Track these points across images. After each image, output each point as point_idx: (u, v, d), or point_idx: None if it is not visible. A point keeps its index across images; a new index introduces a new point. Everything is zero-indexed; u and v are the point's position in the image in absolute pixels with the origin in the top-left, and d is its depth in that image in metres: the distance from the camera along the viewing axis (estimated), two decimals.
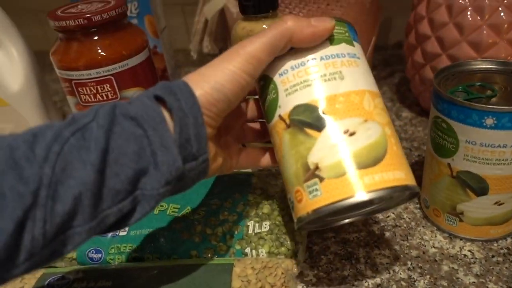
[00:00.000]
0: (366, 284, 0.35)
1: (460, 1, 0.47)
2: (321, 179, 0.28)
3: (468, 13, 0.47)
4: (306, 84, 0.29)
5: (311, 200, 0.28)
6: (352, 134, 0.28)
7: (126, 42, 0.44)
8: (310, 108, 0.29)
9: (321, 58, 0.30)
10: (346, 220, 0.35)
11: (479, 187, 0.35)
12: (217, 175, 0.34)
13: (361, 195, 0.27)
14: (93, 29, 0.42)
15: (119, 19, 0.43)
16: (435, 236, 0.39)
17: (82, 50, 0.42)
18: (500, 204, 0.35)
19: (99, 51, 0.42)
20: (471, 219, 0.37)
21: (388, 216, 0.42)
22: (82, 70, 0.42)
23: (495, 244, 0.38)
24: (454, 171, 0.35)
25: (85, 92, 0.43)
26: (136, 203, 0.26)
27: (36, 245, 0.23)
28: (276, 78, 0.31)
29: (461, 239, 0.38)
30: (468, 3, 0.47)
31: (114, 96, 0.44)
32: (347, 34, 0.32)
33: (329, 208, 0.28)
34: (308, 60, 0.30)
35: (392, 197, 0.32)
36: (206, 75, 0.28)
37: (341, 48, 0.31)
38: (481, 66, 0.38)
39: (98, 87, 0.43)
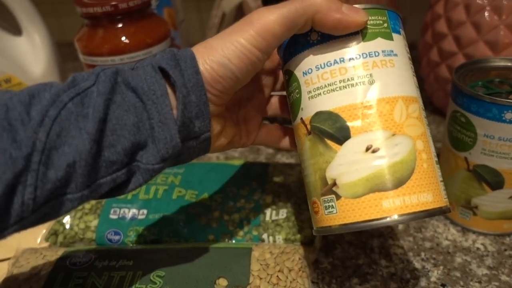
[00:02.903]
0: (380, 273, 0.36)
1: (478, 0, 0.48)
2: (338, 197, 0.26)
3: (486, 12, 0.47)
4: (331, 89, 0.27)
5: (326, 216, 0.27)
6: (375, 151, 0.25)
7: (150, 30, 0.45)
8: (332, 117, 0.26)
9: (350, 59, 0.26)
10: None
11: (495, 181, 0.35)
12: (226, 150, 0.32)
13: (377, 221, 0.25)
14: (118, 17, 0.43)
15: (144, 8, 0.44)
16: (448, 229, 0.40)
17: (107, 36, 0.43)
18: None
19: (124, 38, 0.43)
20: (485, 213, 0.37)
21: None
22: (107, 56, 0.43)
23: (508, 239, 0.38)
24: (471, 165, 0.36)
25: None
26: (131, 174, 0.26)
27: (26, 209, 0.22)
28: (300, 77, 0.28)
29: (473, 233, 0.39)
30: (486, 2, 0.47)
31: None
32: (385, 25, 0.27)
33: (342, 228, 0.26)
34: (334, 60, 0.27)
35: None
36: (213, 47, 0.26)
37: (375, 44, 0.27)
38: (499, 64, 0.39)
39: None
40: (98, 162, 0.24)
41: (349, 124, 0.26)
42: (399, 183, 0.25)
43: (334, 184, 0.26)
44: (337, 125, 0.26)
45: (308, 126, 0.28)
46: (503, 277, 0.35)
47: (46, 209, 0.23)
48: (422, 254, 0.37)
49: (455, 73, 0.37)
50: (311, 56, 0.27)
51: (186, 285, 0.32)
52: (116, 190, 0.26)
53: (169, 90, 0.25)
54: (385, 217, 0.25)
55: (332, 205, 0.27)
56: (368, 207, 0.25)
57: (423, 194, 0.25)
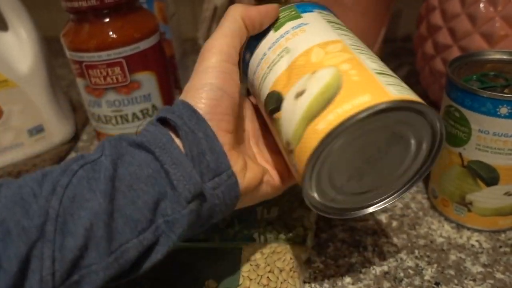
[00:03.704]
0: (373, 272, 0.35)
1: None
2: (293, 152, 0.27)
3: (481, 4, 0.46)
4: (266, 75, 0.30)
5: (295, 174, 0.28)
6: (300, 94, 0.26)
7: (137, 25, 0.43)
8: (271, 95, 0.29)
9: (269, 48, 0.31)
10: (370, 210, 0.31)
11: (490, 177, 0.35)
12: (263, 195, 0.31)
13: (318, 147, 0.24)
14: (105, 11, 0.42)
15: (131, 2, 0.43)
16: (443, 226, 0.39)
17: (94, 31, 0.42)
18: (510, 195, 0.35)
19: (111, 33, 0.42)
20: (479, 209, 0.37)
21: (396, 206, 0.42)
22: (93, 52, 0.42)
23: (503, 235, 0.38)
24: (465, 161, 0.35)
25: (96, 75, 0.43)
26: (159, 234, 0.25)
27: (46, 287, 0.21)
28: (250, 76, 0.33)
29: (468, 229, 0.38)
30: None
31: (124, 80, 0.44)
32: (293, 12, 0.32)
33: (301, 177, 0.26)
34: (264, 53, 0.31)
35: (371, 127, 0.25)
36: (193, 85, 0.28)
37: (285, 27, 0.31)
38: (494, 57, 0.38)
39: (109, 69, 0.43)
40: (119, 222, 0.23)
41: (281, 91, 0.28)
42: (328, 103, 0.25)
43: (288, 144, 0.27)
44: (273, 98, 0.29)
45: (267, 111, 0.30)
46: (498, 275, 0.34)
47: (70, 286, 0.22)
48: (416, 251, 0.37)
49: (449, 67, 0.36)
50: (252, 59, 0.33)
51: None
52: (145, 256, 0.25)
53: (173, 135, 0.26)
54: (324, 138, 0.24)
55: (294, 163, 0.27)
56: (310, 142, 0.25)
57: (358, 98, 0.24)
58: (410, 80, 0.67)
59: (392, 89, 0.25)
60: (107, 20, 0.42)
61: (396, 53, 0.77)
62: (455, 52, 0.49)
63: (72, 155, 0.56)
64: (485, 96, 0.32)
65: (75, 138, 0.58)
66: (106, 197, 0.23)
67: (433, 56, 0.52)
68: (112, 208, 0.23)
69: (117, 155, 0.24)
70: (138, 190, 0.24)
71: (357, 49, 0.29)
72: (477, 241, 0.37)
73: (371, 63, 0.27)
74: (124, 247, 0.23)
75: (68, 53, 0.44)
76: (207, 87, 0.27)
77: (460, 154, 0.35)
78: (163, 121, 0.27)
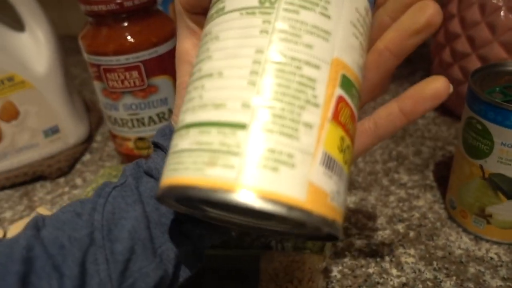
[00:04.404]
0: (391, 283, 0.35)
1: (493, 0, 0.46)
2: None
3: (502, 13, 0.46)
4: None
5: None
6: None
7: (155, 29, 0.43)
8: None
9: None
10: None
11: (511, 190, 0.34)
12: None
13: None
14: (123, 15, 0.42)
15: (150, 6, 0.43)
16: (461, 238, 0.39)
17: (112, 35, 0.42)
18: None
19: (129, 37, 0.42)
20: (499, 222, 0.36)
21: (413, 215, 0.42)
22: (111, 56, 0.42)
23: None
24: (486, 173, 0.35)
25: (113, 78, 0.43)
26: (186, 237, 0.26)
27: None
28: None
29: (487, 242, 0.38)
30: (501, 3, 0.46)
31: (141, 83, 0.44)
32: None
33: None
34: None
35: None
36: (176, 105, 0.27)
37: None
38: None
39: (127, 73, 0.43)
40: (153, 227, 0.25)
41: None
42: None
43: None
44: None
45: None
46: None
47: None
48: (434, 263, 0.36)
49: (471, 78, 0.36)
50: None
51: None
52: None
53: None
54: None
55: None
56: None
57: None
58: None
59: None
60: (125, 24, 0.42)
61: (410, 59, 0.76)
62: (473, 61, 0.49)
63: (87, 156, 0.56)
64: (509, 109, 0.31)
65: (89, 139, 0.58)
66: (140, 205, 0.24)
67: (450, 64, 0.52)
68: (147, 216, 0.24)
69: (137, 176, 0.26)
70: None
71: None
72: (496, 253, 0.37)
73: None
74: (164, 247, 0.25)
75: (86, 55, 0.44)
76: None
77: (481, 166, 0.35)
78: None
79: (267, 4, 0.18)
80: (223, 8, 0.20)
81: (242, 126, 0.17)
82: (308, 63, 0.18)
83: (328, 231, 0.17)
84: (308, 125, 0.17)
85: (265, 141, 0.16)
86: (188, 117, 0.18)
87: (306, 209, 0.16)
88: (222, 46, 0.19)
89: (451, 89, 0.22)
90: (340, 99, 0.19)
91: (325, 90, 0.18)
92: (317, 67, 0.18)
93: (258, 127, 0.17)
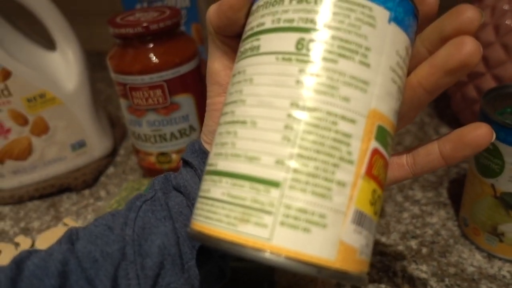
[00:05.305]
0: None
1: (507, 21, 0.47)
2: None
3: None
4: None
5: None
6: None
7: (179, 50, 0.46)
8: None
9: None
10: None
11: None
12: None
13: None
14: (149, 37, 0.44)
15: (173, 28, 0.45)
16: (474, 255, 0.39)
17: (138, 56, 0.45)
18: None
19: (153, 58, 0.44)
20: (511, 240, 0.37)
21: (426, 232, 0.43)
22: (137, 75, 0.45)
23: None
24: (498, 192, 0.36)
25: (138, 96, 0.46)
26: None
27: None
28: None
29: (499, 259, 0.39)
30: None
31: (164, 101, 0.46)
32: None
33: None
34: None
35: None
36: (205, 125, 0.27)
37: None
38: None
39: (151, 91, 0.45)
40: (182, 243, 0.25)
41: None
42: None
43: None
44: None
45: None
46: None
47: None
48: (446, 280, 0.37)
49: (483, 98, 0.37)
50: None
51: None
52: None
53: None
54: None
55: None
56: None
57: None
58: (440, 103, 0.67)
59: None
60: (150, 45, 0.45)
61: None
62: (488, 80, 0.50)
63: (111, 169, 0.59)
64: None
65: (113, 153, 0.61)
66: (170, 221, 0.25)
67: (465, 83, 0.53)
68: (176, 231, 0.25)
69: (166, 191, 0.27)
70: (187, 214, 0.26)
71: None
72: (508, 272, 0.37)
73: None
74: (191, 263, 0.25)
75: (113, 75, 0.47)
76: (207, 129, 0.27)
77: (492, 185, 0.36)
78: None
79: (304, 51, 0.18)
80: (258, 47, 0.19)
81: (275, 184, 0.17)
82: (344, 118, 0.18)
83: (353, 284, 0.19)
84: (341, 184, 0.17)
85: (298, 201, 0.17)
86: (221, 164, 0.19)
87: (336, 268, 0.17)
88: (256, 92, 0.18)
89: (493, 137, 0.21)
90: (375, 152, 0.18)
91: (360, 145, 0.18)
92: (353, 121, 0.18)
93: (292, 186, 0.17)
